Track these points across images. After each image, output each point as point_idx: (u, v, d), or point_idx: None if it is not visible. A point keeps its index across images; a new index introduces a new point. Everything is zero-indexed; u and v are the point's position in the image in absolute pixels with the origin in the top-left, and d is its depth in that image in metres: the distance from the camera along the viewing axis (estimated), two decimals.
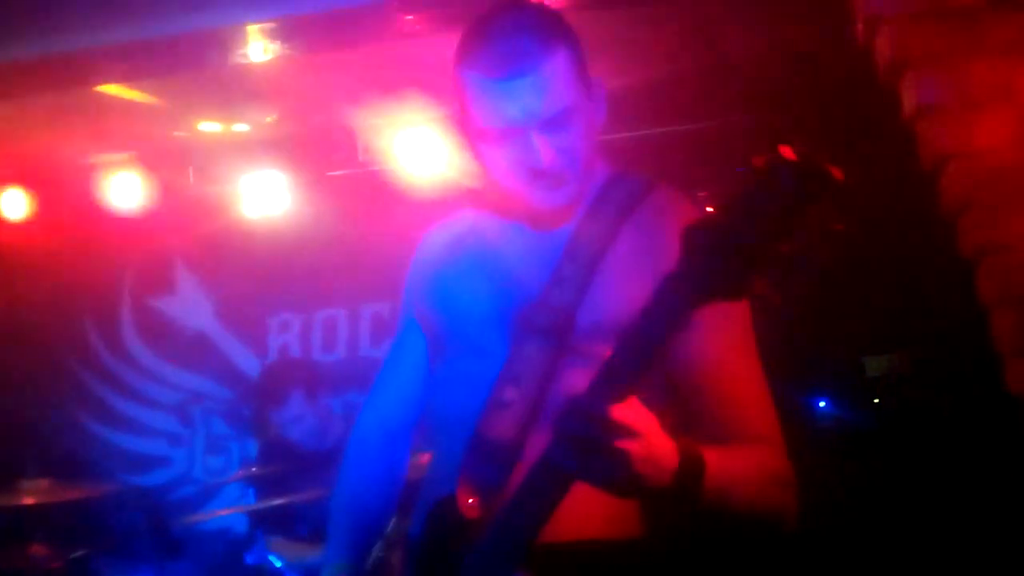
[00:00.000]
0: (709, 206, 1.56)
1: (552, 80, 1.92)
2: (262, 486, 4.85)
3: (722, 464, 1.75)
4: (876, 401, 4.51)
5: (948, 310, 4.15)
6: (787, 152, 1.46)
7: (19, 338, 6.30)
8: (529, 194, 2.01)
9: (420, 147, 5.45)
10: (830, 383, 4.62)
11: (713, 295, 1.52)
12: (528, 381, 1.98)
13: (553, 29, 1.95)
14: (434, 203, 5.30)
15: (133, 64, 4.36)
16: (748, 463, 1.84)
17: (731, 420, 1.91)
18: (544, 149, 1.94)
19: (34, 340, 6.39)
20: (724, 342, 1.94)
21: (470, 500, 1.94)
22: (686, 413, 1.92)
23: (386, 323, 6.19)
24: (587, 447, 1.60)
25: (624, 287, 1.94)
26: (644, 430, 1.61)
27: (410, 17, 4.14)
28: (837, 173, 1.47)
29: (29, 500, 4.69)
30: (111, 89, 4.88)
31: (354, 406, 5.89)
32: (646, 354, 1.59)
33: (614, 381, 1.60)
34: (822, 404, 4.62)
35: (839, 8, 3.43)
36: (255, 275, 6.21)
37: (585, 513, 1.89)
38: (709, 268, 1.51)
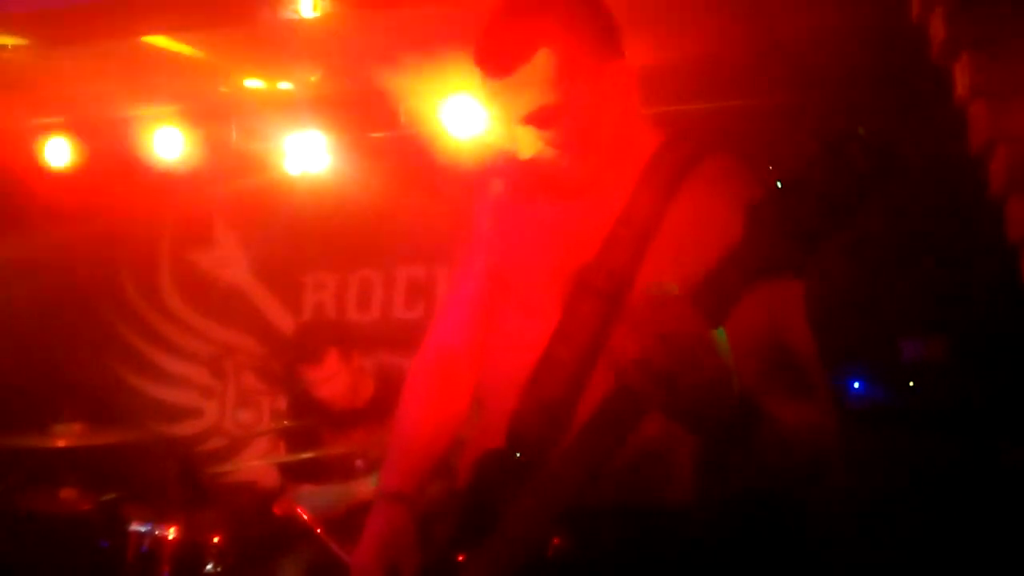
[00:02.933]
0: (777, 179, 1.54)
1: (534, 79, 1.96)
2: (292, 440, 4.88)
3: (780, 411, 1.77)
4: (911, 384, 4.49)
5: (990, 296, 4.13)
6: (861, 131, 1.46)
7: (58, 286, 6.37)
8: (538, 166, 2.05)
9: (462, 112, 5.45)
10: (866, 364, 4.60)
11: (775, 271, 1.53)
12: (581, 340, 1.99)
13: (540, 26, 1.97)
14: (473, 169, 5.30)
15: (181, 15, 4.38)
16: (803, 417, 1.85)
17: (799, 376, 1.92)
18: (525, 144, 2.01)
19: (72, 288, 6.46)
20: (790, 298, 1.94)
21: (518, 455, 1.96)
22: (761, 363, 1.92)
23: (421, 286, 6.20)
24: (678, 351, 1.58)
25: (682, 253, 1.93)
26: (727, 354, 1.63)
27: None
28: (904, 155, 1.47)
29: (61, 442, 4.74)
30: (158, 41, 4.91)
31: (387, 367, 5.92)
32: (722, 306, 1.61)
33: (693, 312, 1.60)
34: (856, 385, 4.60)
35: None
36: (293, 233, 6.23)
37: (627, 479, 1.91)
38: (773, 244, 1.52)
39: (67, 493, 4.89)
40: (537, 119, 1.99)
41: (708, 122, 5.04)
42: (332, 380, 4.73)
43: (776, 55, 5.00)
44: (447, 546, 2.10)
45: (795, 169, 1.50)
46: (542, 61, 1.96)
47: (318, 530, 4.30)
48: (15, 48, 4.62)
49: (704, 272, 1.62)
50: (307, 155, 5.92)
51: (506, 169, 2.21)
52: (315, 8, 4.35)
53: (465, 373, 2.35)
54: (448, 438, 2.36)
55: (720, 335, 1.64)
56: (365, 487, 4.43)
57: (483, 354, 2.26)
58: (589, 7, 2.04)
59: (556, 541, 1.88)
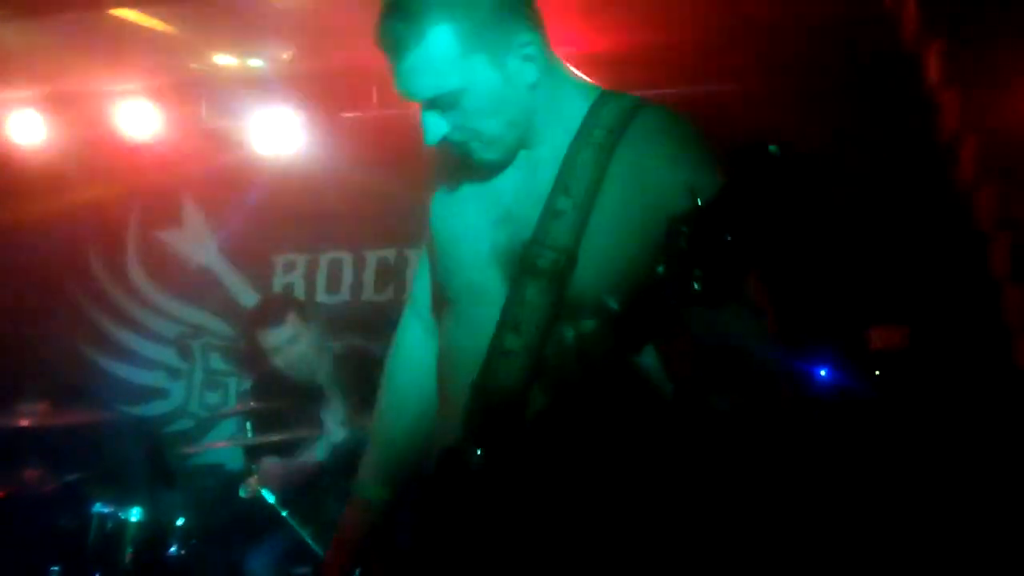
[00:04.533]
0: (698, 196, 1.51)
1: (427, 63, 1.91)
2: (259, 422, 4.86)
3: None
4: (876, 373, 4.50)
5: (956, 285, 4.13)
6: (770, 151, 1.44)
7: (23, 263, 6.31)
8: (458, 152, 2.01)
9: None
10: (832, 353, 4.61)
11: (698, 302, 1.51)
12: (529, 327, 1.95)
13: (431, 6, 1.89)
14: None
15: None
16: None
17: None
18: (431, 128, 1.96)
19: (38, 266, 6.39)
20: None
21: (478, 451, 1.92)
22: None
23: (391, 269, 6.17)
24: None
25: (622, 228, 1.90)
26: None
27: None
28: (808, 162, 1.44)
29: (25, 422, 4.70)
30: (129, 15, 4.85)
31: (356, 350, 5.89)
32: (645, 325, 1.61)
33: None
34: (823, 373, 4.61)
35: None
36: (263, 213, 6.18)
37: None
38: (691, 275, 1.49)
39: (30, 473, 4.85)
40: (440, 104, 1.94)
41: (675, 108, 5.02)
42: (292, 344, 4.69)
43: (744, 40, 4.98)
44: (408, 549, 2.11)
45: (714, 190, 1.47)
46: (436, 42, 1.89)
47: (283, 513, 4.29)
48: None
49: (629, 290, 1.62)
50: (278, 134, 5.87)
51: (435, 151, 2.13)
52: None
53: (433, 375, 2.31)
54: (425, 435, 2.29)
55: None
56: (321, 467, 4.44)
57: (439, 341, 2.21)
58: None
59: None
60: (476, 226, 2.07)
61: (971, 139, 3.01)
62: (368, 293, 6.22)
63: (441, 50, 1.89)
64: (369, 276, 6.24)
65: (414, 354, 2.33)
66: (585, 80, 2.09)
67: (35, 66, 5.58)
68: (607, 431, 1.91)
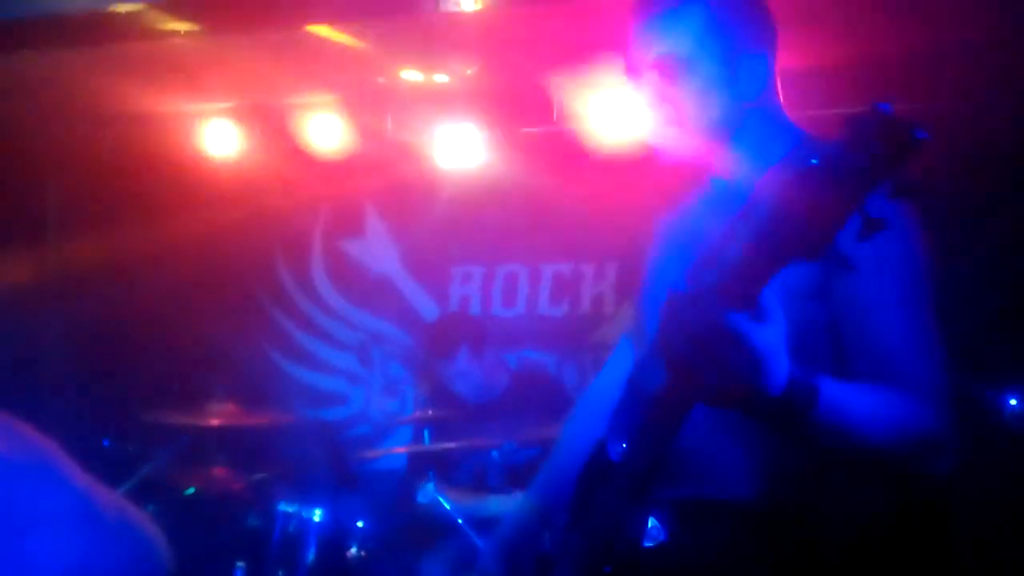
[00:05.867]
0: (812, 158, 1.49)
1: (672, 25, 2.04)
2: (435, 429, 4.94)
3: (846, 397, 1.73)
4: None
5: None
6: (879, 109, 1.41)
7: (215, 269, 6.54)
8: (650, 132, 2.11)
9: (615, 110, 5.42)
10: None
11: (794, 253, 1.49)
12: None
13: None
14: (624, 167, 5.28)
15: (347, 5, 4.45)
16: (880, 407, 1.80)
17: (881, 364, 1.88)
18: (651, 84, 2.07)
19: (229, 272, 6.63)
20: (884, 286, 1.90)
21: (623, 445, 1.96)
22: (841, 350, 1.92)
23: (567, 283, 6.20)
24: (699, 343, 1.58)
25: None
26: (759, 341, 1.58)
27: None
28: (920, 134, 1.40)
29: (215, 421, 4.86)
30: (321, 31, 4.99)
31: (530, 363, 5.94)
32: (746, 296, 1.58)
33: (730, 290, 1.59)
34: (1013, 402, 4.45)
35: None
36: (442, 225, 6.29)
37: (708, 469, 1.99)
38: (788, 226, 1.50)
39: (218, 471, 5.02)
40: (663, 65, 2.04)
41: None
42: (464, 376, 4.80)
43: (941, 59, 4.85)
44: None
45: (821, 150, 1.46)
46: (689, 12, 2.03)
47: (459, 520, 4.34)
48: (186, 34, 4.74)
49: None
50: (460, 148, 5.95)
51: (662, 163, 2.19)
52: (476, 2, 4.38)
53: None
54: None
55: (771, 319, 1.59)
56: (499, 479, 4.46)
57: None
58: None
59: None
60: (671, 253, 2.19)
61: None
62: (543, 307, 6.26)
63: (690, 15, 2.04)
64: (545, 290, 6.27)
65: (618, 372, 2.39)
66: (792, 124, 2.15)
67: (229, 78, 5.79)
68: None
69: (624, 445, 1.95)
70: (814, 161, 1.46)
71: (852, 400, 1.74)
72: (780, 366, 1.61)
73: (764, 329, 1.57)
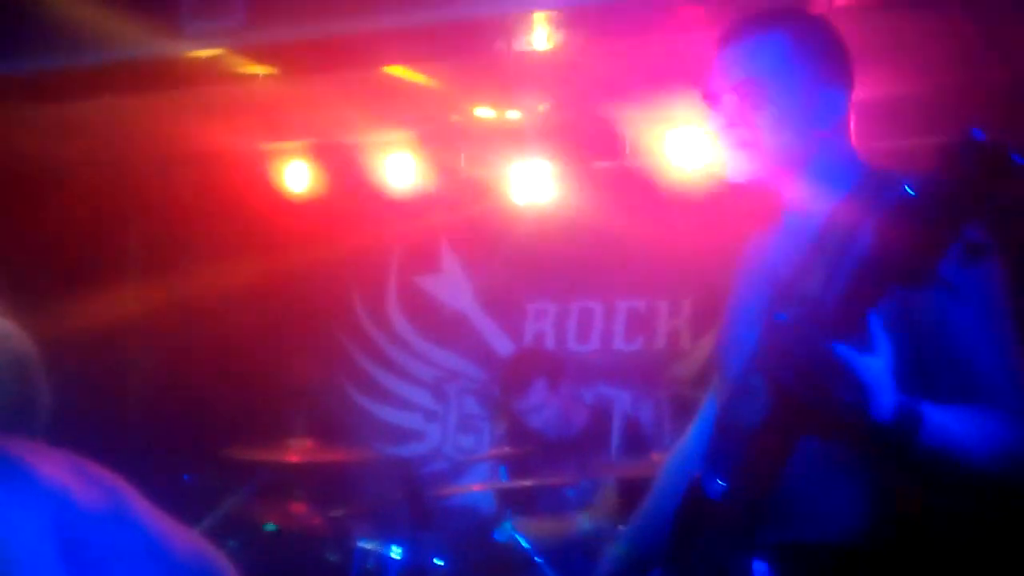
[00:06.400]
0: (908, 188, 1.53)
1: (754, 52, 2.12)
2: (511, 466, 4.94)
3: (947, 420, 1.76)
4: None
5: None
6: (974, 136, 1.44)
7: (294, 306, 6.61)
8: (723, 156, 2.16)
9: (687, 146, 5.42)
10: None
11: (903, 279, 1.52)
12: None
13: (780, 18, 2.16)
14: (697, 203, 5.27)
15: (422, 45, 4.50)
16: (980, 427, 1.82)
17: (969, 388, 1.89)
18: (729, 107, 2.12)
19: (307, 309, 6.69)
20: (971, 310, 1.90)
21: (719, 481, 1.98)
22: (928, 376, 1.91)
23: (641, 319, 6.18)
24: (808, 373, 1.61)
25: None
26: (867, 369, 1.62)
27: (692, 10, 4.13)
28: (1018, 159, 1.44)
29: (294, 457, 4.90)
30: (396, 71, 5.05)
31: (605, 398, 5.92)
32: (849, 325, 1.60)
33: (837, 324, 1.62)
34: None
35: None
36: (516, 261, 6.31)
37: (812, 512, 1.97)
38: (895, 252, 1.51)
39: (297, 507, 5.05)
40: (743, 89, 2.10)
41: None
42: (540, 410, 4.78)
43: (1014, 90, 4.79)
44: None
45: (921, 178, 1.50)
46: (772, 41, 2.11)
47: (538, 559, 4.32)
48: (265, 76, 4.82)
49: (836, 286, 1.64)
50: (533, 184, 5.99)
51: (740, 199, 2.23)
52: (548, 41, 4.40)
53: None
54: None
55: (877, 347, 1.62)
56: (576, 519, 4.44)
57: None
58: (830, 33, 2.18)
59: None
60: (750, 289, 2.22)
61: None
62: (618, 342, 6.24)
63: (773, 45, 2.11)
64: (619, 326, 6.26)
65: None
66: (860, 157, 2.19)
67: (305, 118, 5.87)
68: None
69: (721, 482, 1.96)
70: (911, 192, 1.48)
71: (953, 422, 1.78)
72: (887, 393, 1.65)
73: (872, 358, 1.62)
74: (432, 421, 6.58)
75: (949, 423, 1.77)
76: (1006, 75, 4.80)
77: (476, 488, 5.52)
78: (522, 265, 6.32)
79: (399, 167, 6.10)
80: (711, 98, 2.17)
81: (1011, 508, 1.95)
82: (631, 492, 3.70)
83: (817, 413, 1.64)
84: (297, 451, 4.92)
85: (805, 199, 2.12)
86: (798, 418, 1.69)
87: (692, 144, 5.39)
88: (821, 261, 1.98)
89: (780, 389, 1.65)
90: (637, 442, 4.82)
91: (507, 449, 5.06)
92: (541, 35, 4.39)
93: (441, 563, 4.49)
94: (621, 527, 2.82)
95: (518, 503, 4.74)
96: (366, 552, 4.52)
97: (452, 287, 6.63)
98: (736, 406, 2.05)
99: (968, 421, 1.81)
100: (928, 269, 1.50)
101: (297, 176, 6.27)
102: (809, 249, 2.03)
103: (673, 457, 2.55)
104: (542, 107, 5.77)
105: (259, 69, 4.76)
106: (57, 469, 1.97)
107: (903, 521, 1.96)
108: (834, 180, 2.09)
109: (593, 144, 5.93)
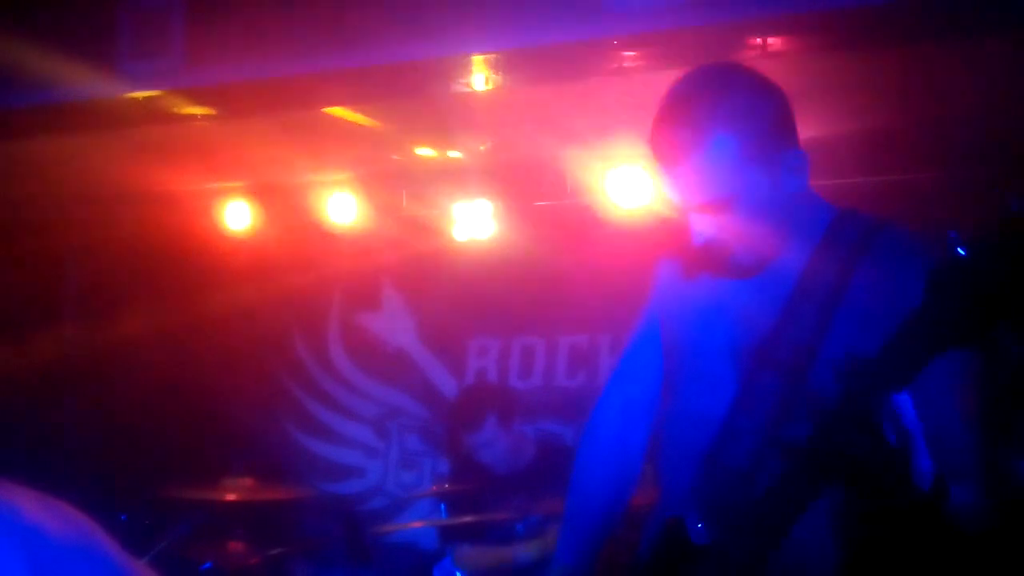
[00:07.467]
0: (958, 246, 1.53)
1: (706, 169, 1.98)
2: (453, 503, 4.94)
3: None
4: None
5: None
6: (1011, 210, 1.45)
7: (234, 344, 6.60)
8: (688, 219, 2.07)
9: (628, 184, 5.47)
10: None
11: (957, 338, 1.52)
12: (761, 412, 2.01)
13: (717, 116, 1.97)
14: (639, 240, 5.33)
15: (361, 88, 4.53)
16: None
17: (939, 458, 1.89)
18: (698, 230, 2.04)
19: (248, 347, 6.68)
20: (951, 384, 1.92)
21: (699, 524, 1.95)
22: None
23: (583, 355, 6.22)
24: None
25: (868, 324, 1.93)
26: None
27: (630, 54, 4.19)
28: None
29: (232, 496, 4.88)
30: (337, 111, 5.08)
31: (548, 434, 5.94)
32: (895, 384, 1.62)
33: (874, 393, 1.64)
34: None
35: None
36: (458, 298, 6.34)
37: (800, 567, 1.94)
38: (954, 311, 1.51)
39: (235, 546, 5.03)
40: (711, 208, 2.01)
41: (874, 196, 4.95)
42: (491, 445, 4.79)
43: (946, 129, 4.90)
44: None
45: (978, 237, 1.49)
46: (717, 151, 1.96)
47: None
48: (204, 117, 4.83)
49: (886, 340, 1.62)
50: (474, 222, 6.02)
51: (675, 250, 2.24)
52: (487, 83, 4.45)
53: (639, 442, 2.39)
54: (622, 507, 2.40)
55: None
56: (524, 552, 4.45)
57: (662, 429, 2.29)
58: (766, 97, 2.03)
59: None
60: (713, 323, 2.15)
61: None
62: (560, 379, 6.28)
63: (723, 158, 1.97)
64: (562, 362, 6.29)
65: (615, 425, 2.41)
66: (821, 199, 2.15)
67: (246, 158, 5.88)
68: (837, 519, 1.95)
69: (710, 527, 1.93)
70: (962, 251, 1.50)
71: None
72: (904, 453, 1.69)
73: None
74: (373, 458, 6.57)
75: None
76: (940, 114, 4.90)
77: (415, 525, 5.51)
78: (464, 303, 6.34)
79: (340, 206, 6.12)
80: (666, 161, 2.02)
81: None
82: None
83: (858, 464, 1.64)
84: (235, 489, 4.91)
85: (778, 250, 2.07)
86: (828, 473, 1.69)
87: (632, 183, 5.45)
88: (807, 310, 2.00)
89: (829, 469, 1.65)
90: None
91: (447, 486, 5.07)
92: (480, 78, 4.43)
93: None
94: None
95: (462, 540, 4.74)
96: None
97: (394, 325, 6.64)
98: (723, 448, 2.03)
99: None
100: (987, 331, 1.50)
101: (238, 215, 6.27)
102: (791, 298, 2.03)
103: (594, 443, 2.46)
104: (483, 146, 5.81)
105: (198, 110, 4.76)
106: (29, 502, 2.00)
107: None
108: (806, 228, 2.07)
109: (535, 183, 5.98)
